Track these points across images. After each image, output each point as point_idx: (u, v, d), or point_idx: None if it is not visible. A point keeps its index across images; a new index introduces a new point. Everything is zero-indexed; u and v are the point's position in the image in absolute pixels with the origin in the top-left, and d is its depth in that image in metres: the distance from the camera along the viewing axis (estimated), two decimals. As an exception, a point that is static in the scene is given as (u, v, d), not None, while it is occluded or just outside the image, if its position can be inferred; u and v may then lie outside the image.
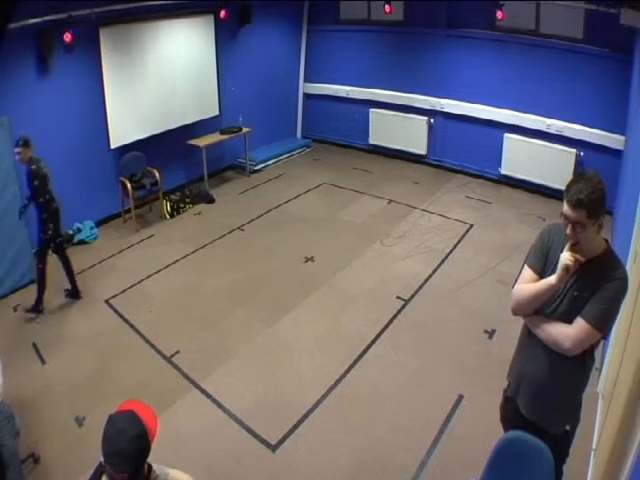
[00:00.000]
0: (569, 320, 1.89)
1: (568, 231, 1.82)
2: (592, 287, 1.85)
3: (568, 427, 2.07)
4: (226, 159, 7.77)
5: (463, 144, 7.28)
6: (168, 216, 6.39)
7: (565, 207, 1.79)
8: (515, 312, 2.07)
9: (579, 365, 1.96)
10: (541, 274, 1.98)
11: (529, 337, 2.07)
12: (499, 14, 6.11)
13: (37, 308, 4.51)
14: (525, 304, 1.99)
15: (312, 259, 5.34)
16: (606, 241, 1.92)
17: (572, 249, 1.83)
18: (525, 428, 2.08)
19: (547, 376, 2.00)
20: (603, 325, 1.84)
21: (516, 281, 2.11)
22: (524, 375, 2.11)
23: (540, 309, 1.98)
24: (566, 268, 1.82)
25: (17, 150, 4.22)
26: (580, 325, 1.85)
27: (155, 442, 1.70)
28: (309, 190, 7.06)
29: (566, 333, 1.87)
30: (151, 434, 1.68)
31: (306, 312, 4.48)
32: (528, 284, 1.99)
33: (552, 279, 1.88)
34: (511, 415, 2.22)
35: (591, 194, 1.73)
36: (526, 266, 2.07)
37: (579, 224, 1.77)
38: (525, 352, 2.12)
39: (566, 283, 1.91)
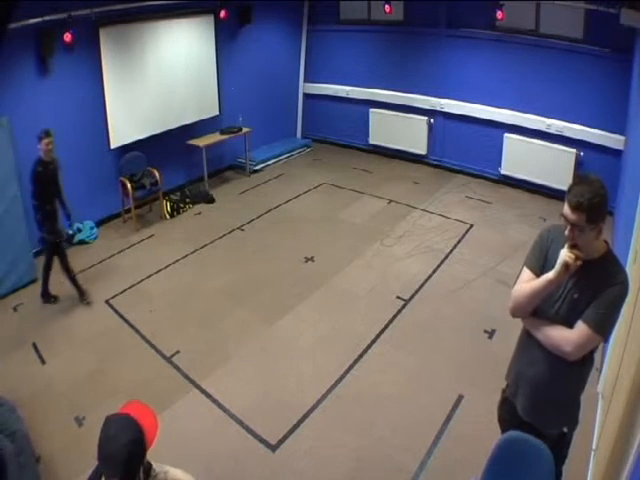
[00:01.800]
0: (569, 323, 1.88)
1: (567, 232, 1.81)
2: (592, 290, 1.84)
3: (565, 429, 2.06)
4: (226, 159, 7.77)
5: (463, 144, 7.28)
6: (168, 216, 6.39)
7: (565, 208, 1.79)
8: (514, 313, 2.05)
9: (578, 368, 1.95)
10: (540, 275, 1.97)
11: (528, 339, 2.06)
12: (499, 14, 6.11)
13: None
14: (523, 303, 1.97)
15: (312, 259, 5.34)
16: (606, 243, 1.92)
17: (571, 248, 1.83)
18: (522, 429, 2.08)
19: (545, 378, 1.99)
20: (604, 329, 1.84)
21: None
22: (522, 377, 2.10)
23: (539, 311, 1.97)
24: (565, 265, 1.81)
25: (48, 141, 4.19)
26: (581, 329, 1.84)
27: (155, 442, 1.69)
28: (309, 190, 7.06)
29: (567, 337, 1.86)
30: (149, 437, 1.64)
31: (306, 312, 4.48)
32: (526, 284, 1.98)
33: (550, 275, 1.87)
34: (509, 416, 2.22)
35: (592, 198, 1.71)
36: (525, 267, 2.05)
37: (577, 227, 1.77)
38: (524, 354, 2.11)
39: (565, 285, 1.90)
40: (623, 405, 2.21)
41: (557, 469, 2.11)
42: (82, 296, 4.70)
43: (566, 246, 1.84)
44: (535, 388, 2.04)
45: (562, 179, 6.28)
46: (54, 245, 4.45)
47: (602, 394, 3.24)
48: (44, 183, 4.26)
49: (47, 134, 4.21)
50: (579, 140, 6.12)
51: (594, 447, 2.88)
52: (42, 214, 4.31)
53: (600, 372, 3.37)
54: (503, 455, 2.10)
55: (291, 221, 6.19)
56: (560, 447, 2.09)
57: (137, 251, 5.63)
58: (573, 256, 1.80)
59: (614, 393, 2.71)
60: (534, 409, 2.08)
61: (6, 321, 4.44)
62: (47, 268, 4.60)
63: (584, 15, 5.82)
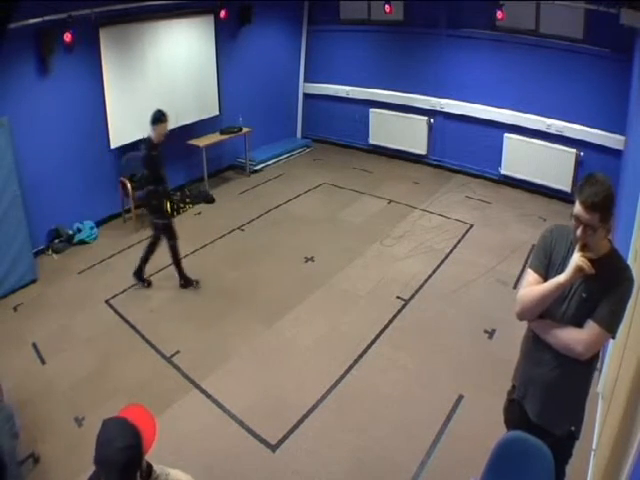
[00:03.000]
0: (578, 323, 1.88)
1: (578, 233, 1.79)
2: (600, 289, 1.84)
3: (573, 427, 2.06)
4: (226, 159, 7.76)
5: (463, 144, 7.28)
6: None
7: (578, 209, 1.77)
8: (522, 316, 2.03)
9: (586, 366, 1.95)
10: (545, 277, 1.96)
11: (534, 342, 2.05)
12: (499, 14, 6.11)
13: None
14: (532, 307, 1.95)
15: (312, 259, 5.34)
16: (609, 241, 1.92)
17: (582, 250, 1.81)
18: (529, 430, 2.08)
19: (555, 379, 1.99)
20: (614, 327, 1.84)
21: (518, 284, 2.10)
22: (532, 380, 2.09)
23: (546, 313, 1.96)
24: (579, 269, 1.79)
25: (167, 124, 4.34)
26: (592, 329, 1.84)
27: (155, 442, 1.69)
28: (309, 190, 7.06)
29: (578, 338, 1.86)
30: (147, 442, 1.62)
31: (306, 312, 4.48)
32: (534, 287, 1.96)
33: (560, 278, 1.85)
34: (516, 417, 2.21)
35: (605, 198, 1.72)
36: (529, 270, 2.03)
37: (590, 227, 1.76)
38: (532, 357, 2.09)
39: (572, 285, 1.89)
40: (623, 405, 2.21)
41: (561, 468, 2.11)
42: (187, 284, 4.84)
43: (577, 249, 1.83)
44: (546, 390, 2.03)
45: (562, 179, 6.31)
46: (167, 228, 4.63)
47: (602, 394, 3.24)
48: (157, 166, 4.44)
49: (166, 117, 4.33)
50: (579, 140, 6.12)
51: (594, 447, 2.89)
52: (157, 198, 4.48)
53: (600, 372, 3.37)
54: (503, 455, 2.10)
55: (291, 221, 6.19)
56: (566, 446, 2.10)
57: (137, 251, 5.59)
58: (587, 260, 1.79)
59: (614, 393, 2.71)
60: (546, 411, 2.07)
61: (6, 321, 4.44)
62: (150, 250, 4.77)
63: (584, 15, 5.82)
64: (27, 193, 4.93)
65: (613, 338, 1.94)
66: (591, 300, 1.86)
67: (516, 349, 2.25)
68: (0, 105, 4.79)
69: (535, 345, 2.05)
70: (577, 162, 6.16)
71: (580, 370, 1.95)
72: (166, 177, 4.56)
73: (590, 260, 1.82)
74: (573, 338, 1.87)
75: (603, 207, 1.72)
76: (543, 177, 6.50)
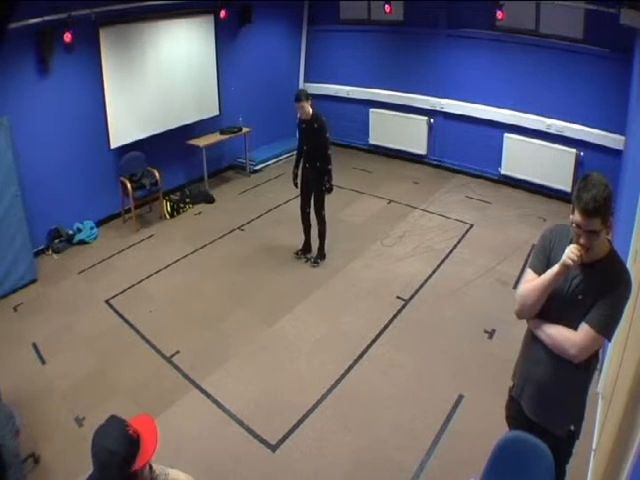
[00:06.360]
0: (573, 324, 1.88)
1: (582, 241, 1.78)
2: (597, 291, 1.84)
3: (572, 427, 2.06)
4: (226, 159, 7.77)
5: (463, 144, 7.28)
6: (168, 216, 6.39)
7: (578, 217, 1.75)
8: (520, 314, 2.03)
9: (583, 367, 1.95)
10: None
11: (533, 340, 2.05)
12: (499, 14, 6.11)
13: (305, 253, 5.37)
14: (531, 302, 1.95)
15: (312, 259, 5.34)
16: (609, 241, 1.91)
17: (585, 254, 1.80)
18: (529, 428, 2.09)
19: (551, 379, 1.99)
20: (608, 330, 1.84)
21: (518, 284, 2.10)
22: (528, 378, 2.10)
23: (544, 313, 1.96)
24: (565, 265, 1.81)
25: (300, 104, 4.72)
26: (586, 331, 1.83)
27: (152, 457, 1.67)
28: (309, 190, 7.05)
29: (572, 340, 1.86)
30: (145, 455, 1.61)
31: (306, 312, 4.48)
32: (531, 282, 1.97)
33: (554, 268, 1.87)
34: (516, 415, 2.23)
35: (605, 200, 1.70)
36: (529, 269, 2.04)
37: (594, 232, 1.74)
38: (530, 355, 2.10)
39: (570, 286, 1.90)
40: (623, 405, 2.21)
41: (562, 468, 2.12)
42: (321, 256, 5.27)
43: (574, 247, 1.82)
44: (541, 388, 2.04)
45: (562, 179, 6.31)
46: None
47: (602, 394, 3.24)
48: (300, 136, 5.05)
49: (296, 97, 4.71)
50: (579, 140, 6.12)
51: (594, 447, 2.89)
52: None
53: (600, 372, 3.37)
54: (503, 455, 2.11)
55: (291, 221, 6.16)
56: (566, 446, 2.10)
57: (137, 251, 5.63)
58: (574, 256, 1.79)
59: (614, 393, 2.71)
60: (540, 409, 2.08)
61: (6, 321, 4.44)
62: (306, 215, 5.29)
63: (584, 15, 5.82)
64: (27, 193, 4.93)
65: (609, 341, 1.94)
66: (587, 302, 1.86)
67: (516, 349, 2.25)
68: (0, 105, 4.79)
69: (533, 344, 2.06)
70: (577, 162, 6.16)
71: (577, 370, 1.95)
72: (304, 151, 5.02)
73: (589, 262, 1.82)
74: (567, 339, 1.87)
75: (604, 210, 1.71)
76: (543, 177, 6.49)
